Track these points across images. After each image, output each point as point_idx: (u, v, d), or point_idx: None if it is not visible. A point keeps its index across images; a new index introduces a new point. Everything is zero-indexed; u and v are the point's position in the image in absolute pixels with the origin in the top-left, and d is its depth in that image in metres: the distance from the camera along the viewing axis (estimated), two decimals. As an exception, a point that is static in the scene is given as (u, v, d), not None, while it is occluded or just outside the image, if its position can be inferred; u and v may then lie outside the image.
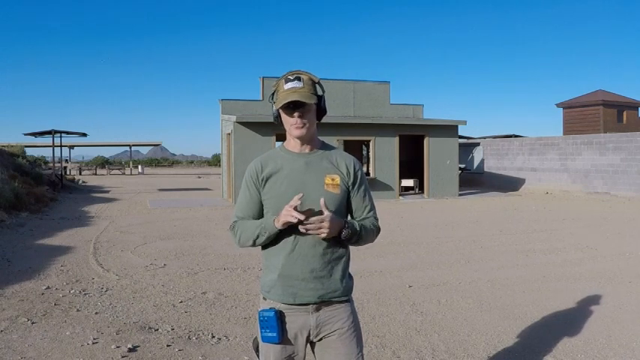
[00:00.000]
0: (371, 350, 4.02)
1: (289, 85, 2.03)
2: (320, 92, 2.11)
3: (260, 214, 2.14)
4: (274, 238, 2.05)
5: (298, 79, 2.04)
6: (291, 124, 2.06)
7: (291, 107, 2.03)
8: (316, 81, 2.10)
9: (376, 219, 2.19)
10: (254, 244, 2.09)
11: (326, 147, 2.19)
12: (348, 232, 2.02)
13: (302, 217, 1.93)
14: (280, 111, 2.08)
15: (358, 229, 2.07)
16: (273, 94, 2.12)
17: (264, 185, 2.10)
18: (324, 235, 1.98)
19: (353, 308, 2.18)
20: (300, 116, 2.04)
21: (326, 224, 1.95)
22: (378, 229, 2.18)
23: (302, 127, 2.06)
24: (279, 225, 1.99)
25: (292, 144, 2.15)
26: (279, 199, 2.06)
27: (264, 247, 2.14)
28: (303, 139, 2.11)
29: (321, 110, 2.14)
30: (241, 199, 2.16)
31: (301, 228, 1.97)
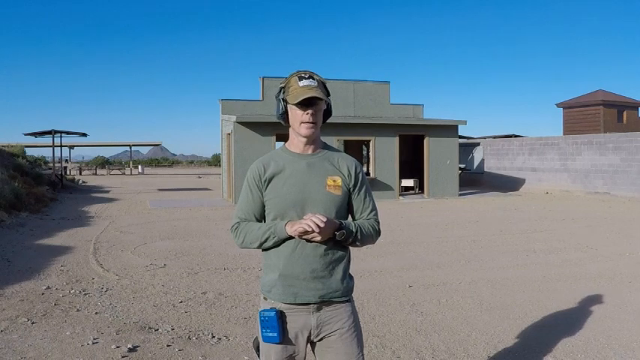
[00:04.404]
0: (371, 350, 4.02)
1: (305, 82, 2.04)
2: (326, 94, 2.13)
3: (262, 215, 2.14)
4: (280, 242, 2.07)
5: (312, 78, 2.06)
6: (302, 121, 2.06)
7: (306, 104, 2.04)
8: (325, 83, 2.12)
9: (377, 221, 2.18)
10: (259, 247, 2.10)
11: (328, 148, 2.20)
12: (343, 234, 2.03)
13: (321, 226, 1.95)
14: (290, 107, 2.08)
15: (354, 230, 2.07)
16: (280, 91, 2.11)
17: (267, 186, 2.11)
18: (318, 239, 2.00)
19: (353, 308, 2.18)
20: (312, 114, 2.05)
21: (316, 227, 1.95)
22: (377, 231, 2.17)
23: (312, 126, 2.07)
24: (293, 232, 2.00)
25: (295, 144, 2.15)
26: (281, 200, 2.07)
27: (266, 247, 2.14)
28: (309, 139, 2.12)
29: (327, 112, 2.16)
30: (243, 200, 2.16)
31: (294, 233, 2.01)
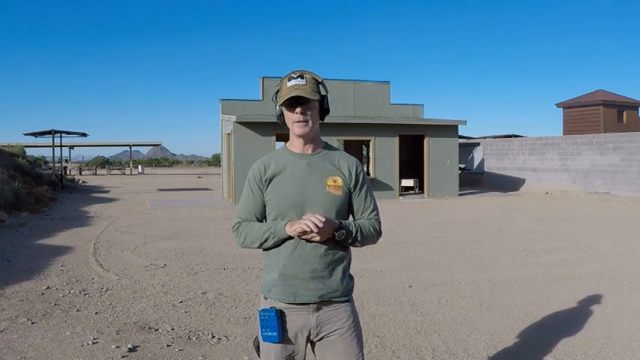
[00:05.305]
0: (371, 350, 4.02)
1: (292, 82, 2.05)
2: (323, 92, 2.13)
3: (263, 215, 2.15)
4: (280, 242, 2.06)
5: (301, 77, 2.07)
6: (294, 120, 2.07)
7: (293, 104, 2.04)
8: (319, 80, 2.11)
9: (378, 221, 2.18)
10: (260, 247, 2.10)
11: (328, 148, 2.20)
12: (342, 234, 2.02)
13: (320, 227, 1.95)
14: (283, 109, 2.10)
15: (354, 230, 2.06)
16: (276, 93, 2.13)
17: (267, 186, 2.11)
18: (317, 239, 2.00)
19: (353, 308, 2.18)
20: (301, 112, 2.05)
21: (314, 227, 1.95)
22: (378, 232, 2.17)
23: (304, 125, 2.07)
24: (292, 232, 2.00)
25: (295, 144, 2.15)
26: (281, 201, 2.07)
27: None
28: (306, 138, 2.12)
29: (324, 109, 2.15)
30: (244, 200, 2.17)
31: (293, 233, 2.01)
